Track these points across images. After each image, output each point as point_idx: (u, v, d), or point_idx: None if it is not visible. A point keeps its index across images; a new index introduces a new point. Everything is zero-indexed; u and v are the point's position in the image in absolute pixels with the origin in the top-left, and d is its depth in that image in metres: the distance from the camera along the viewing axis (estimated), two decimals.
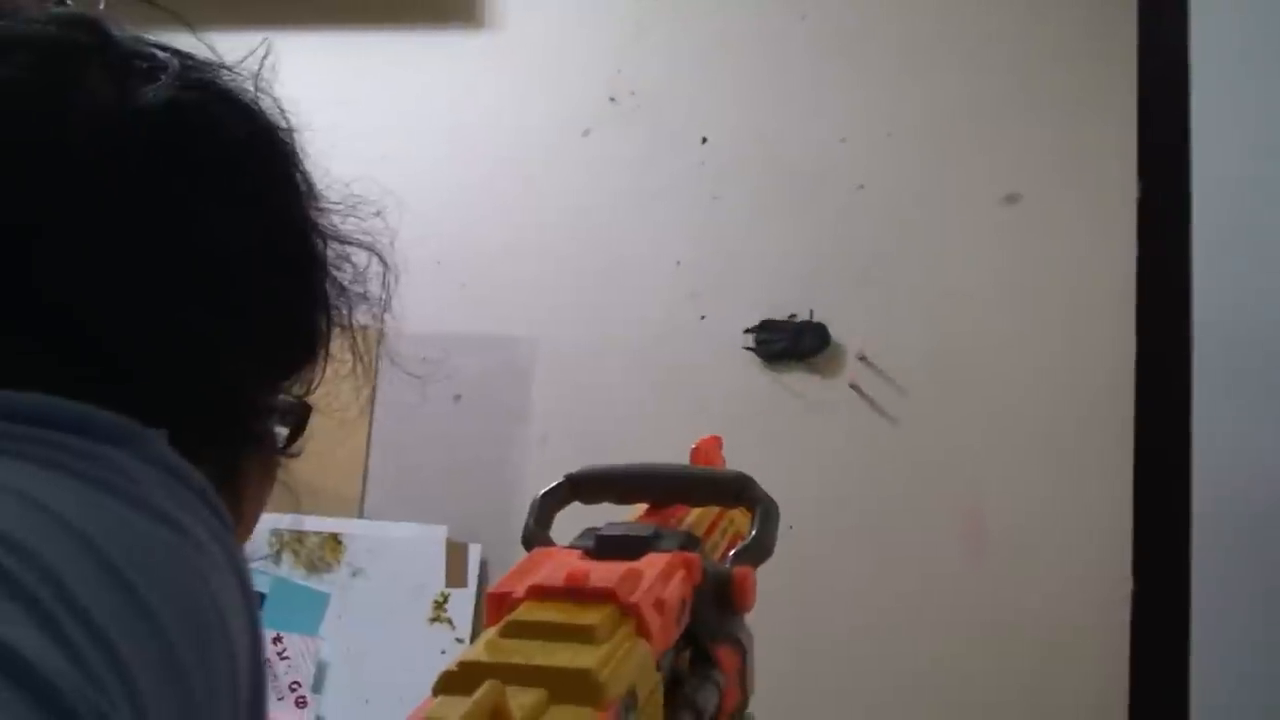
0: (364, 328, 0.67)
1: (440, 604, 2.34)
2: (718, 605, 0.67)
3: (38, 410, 0.48)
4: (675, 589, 0.61)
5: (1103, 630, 2.07)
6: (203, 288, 0.58)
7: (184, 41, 0.64)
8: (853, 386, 2.24)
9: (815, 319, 2.28)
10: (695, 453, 0.90)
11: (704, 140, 2.39)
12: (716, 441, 0.93)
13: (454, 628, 2.32)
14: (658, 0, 2.46)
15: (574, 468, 0.80)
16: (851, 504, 2.22)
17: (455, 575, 2.34)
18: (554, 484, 0.78)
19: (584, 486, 0.79)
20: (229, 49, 0.65)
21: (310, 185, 0.65)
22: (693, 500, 0.79)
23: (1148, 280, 2.10)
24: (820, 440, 2.25)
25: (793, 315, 2.29)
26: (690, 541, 0.68)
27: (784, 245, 2.32)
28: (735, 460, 0.83)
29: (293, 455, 0.67)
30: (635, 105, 2.44)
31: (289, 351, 0.65)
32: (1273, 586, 1.89)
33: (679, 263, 2.37)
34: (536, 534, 0.75)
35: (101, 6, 0.63)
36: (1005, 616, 2.14)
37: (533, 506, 0.77)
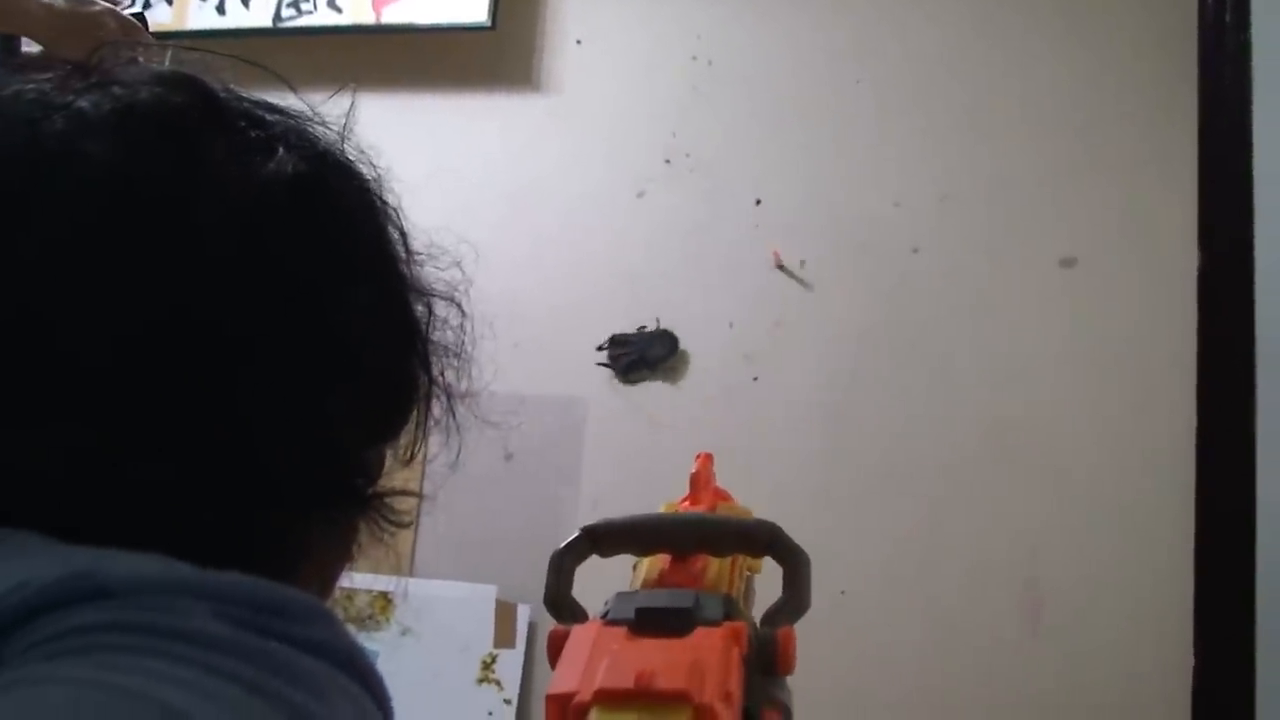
0: (450, 383, 0.66)
1: (488, 664, 2.32)
2: (761, 669, 0.64)
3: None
4: (735, 673, 0.59)
5: (1163, 705, 2.03)
6: (330, 367, 0.57)
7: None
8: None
9: (867, 380, 2.27)
10: (696, 478, 0.88)
11: (758, 202, 2.39)
12: (710, 459, 0.91)
13: (502, 689, 2.31)
14: (713, 64, 2.47)
15: None
16: (907, 572, 2.19)
17: (504, 635, 2.33)
18: (571, 538, 0.75)
19: (603, 539, 0.75)
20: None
21: (405, 240, 0.64)
22: (719, 551, 0.76)
23: (1209, 347, 2.07)
24: (879, 506, 2.23)
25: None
26: (731, 606, 0.66)
27: (838, 308, 2.31)
28: (789, 518, 0.80)
29: (401, 525, 0.66)
30: (690, 167, 2.45)
31: (398, 415, 0.64)
32: None
33: (732, 324, 2.36)
34: (560, 594, 0.72)
35: (168, 61, 0.63)
36: (1062, 690, 2.09)
37: (552, 564, 0.73)
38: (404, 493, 0.66)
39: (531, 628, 2.32)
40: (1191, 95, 2.16)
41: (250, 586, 0.44)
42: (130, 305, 0.51)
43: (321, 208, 0.59)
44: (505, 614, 2.33)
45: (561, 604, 0.72)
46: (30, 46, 1.94)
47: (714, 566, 0.76)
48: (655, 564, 0.76)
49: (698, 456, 0.92)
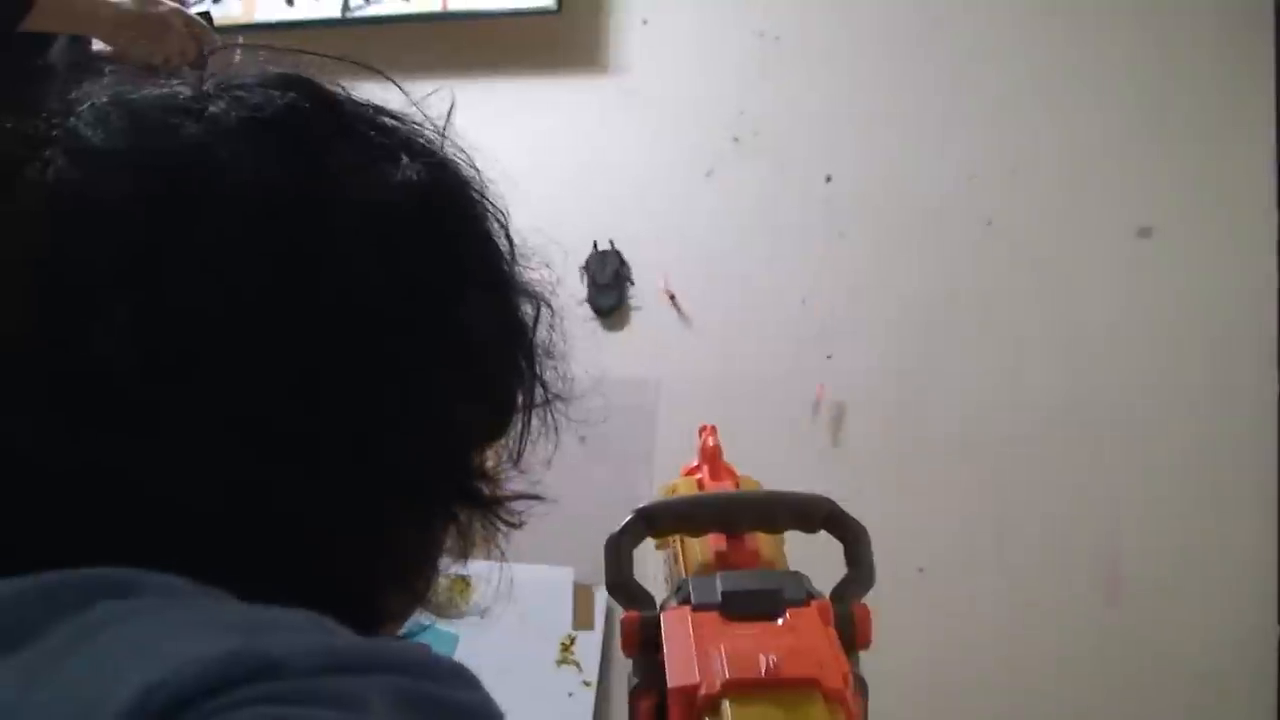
0: (549, 383, 0.67)
1: (567, 646, 2.34)
2: (842, 646, 0.64)
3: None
4: (840, 652, 0.59)
5: (1248, 678, 2.00)
6: (457, 374, 0.58)
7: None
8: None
9: (941, 356, 2.25)
10: (712, 451, 0.88)
11: (828, 178, 2.38)
12: (716, 430, 0.90)
13: (581, 670, 2.32)
14: (780, 39, 2.46)
15: None
16: (986, 549, 2.18)
17: (583, 617, 2.34)
18: (626, 521, 0.74)
19: (657, 521, 0.74)
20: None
21: (512, 244, 0.64)
22: (775, 528, 0.75)
23: None
24: (956, 484, 2.21)
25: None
26: (808, 583, 0.66)
27: (911, 283, 2.29)
28: (865, 497, 0.80)
29: (515, 525, 0.67)
30: (759, 145, 2.44)
31: (508, 415, 0.65)
32: None
33: (804, 301, 2.35)
34: (622, 578, 0.72)
35: (238, 56, 0.63)
36: (1144, 663, 2.07)
37: (611, 550, 0.72)
38: (525, 496, 0.67)
39: (609, 610, 2.33)
40: (1268, 57, 2.12)
41: (405, 654, 0.44)
42: (274, 317, 0.51)
43: (445, 216, 0.60)
44: (584, 596, 2.35)
45: (624, 588, 0.71)
46: (99, 46, 1.98)
47: (765, 545, 0.75)
48: (707, 544, 0.76)
49: (702, 429, 0.91)
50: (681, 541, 0.78)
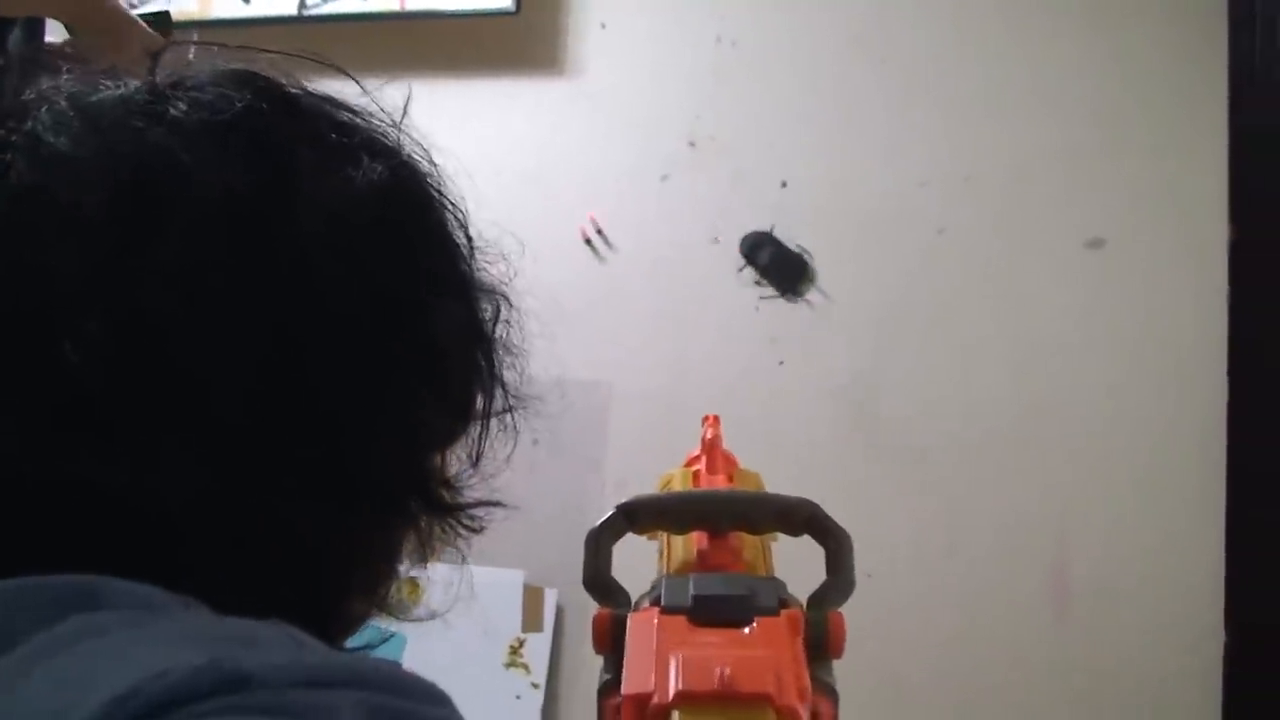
0: (508, 382, 0.67)
1: (516, 649, 2.33)
2: (813, 655, 0.64)
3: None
4: (803, 666, 0.59)
5: (1193, 686, 2.02)
6: (421, 378, 0.58)
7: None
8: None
9: (892, 364, 2.26)
10: (712, 441, 0.88)
11: (783, 185, 2.39)
12: (719, 421, 0.91)
13: (530, 672, 2.31)
14: (737, 45, 2.46)
15: None
16: (934, 555, 2.19)
17: (532, 620, 2.34)
18: (607, 516, 0.73)
19: (639, 517, 0.73)
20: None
21: (470, 240, 0.65)
22: (757, 529, 0.75)
23: (1241, 326, 2.05)
24: (905, 490, 2.22)
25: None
26: (781, 590, 0.66)
27: (864, 290, 2.30)
28: (812, 496, 0.80)
29: (476, 530, 0.68)
30: (715, 150, 2.44)
31: (468, 417, 0.65)
32: None
33: (758, 308, 2.36)
34: (599, 575, 0.72)
35: (191, 56, 0.62)
36: (1091, 670, 2.09)
37: (590, 544, 0.71)
38: (486, 503, 0.67)
39: (559, 612, 2.32)
40: (1220, 67, 2.14)
41: (376, 670, 0.43)
42: (241, 324, 0.51)
43: (407, 218, 0.60)
44: (533, 598, 2.34)
45: (601, 584, 0.71)
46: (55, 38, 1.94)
47: (749, 544, 0.75)
48: (690, 542, 0.76)
49: (705, 418, 0.91)
50: (667, 537, 0.78)
